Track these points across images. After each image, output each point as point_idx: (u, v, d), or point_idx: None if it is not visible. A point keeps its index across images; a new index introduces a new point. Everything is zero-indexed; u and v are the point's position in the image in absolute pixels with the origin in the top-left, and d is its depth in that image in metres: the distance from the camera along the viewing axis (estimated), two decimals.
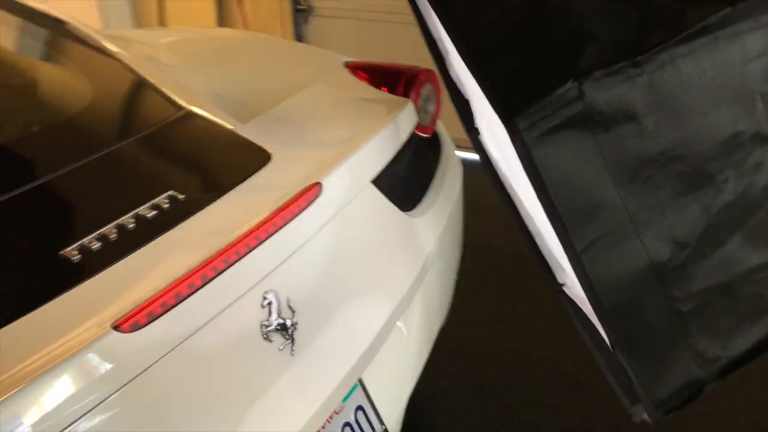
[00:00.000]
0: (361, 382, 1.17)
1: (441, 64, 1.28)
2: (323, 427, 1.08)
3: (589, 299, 0.79)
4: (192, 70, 1.61)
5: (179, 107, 1.31)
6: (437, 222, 1.44)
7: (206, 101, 1.34)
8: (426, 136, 1.65)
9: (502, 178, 1.35)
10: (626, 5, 0.71)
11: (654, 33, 0.65)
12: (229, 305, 0.90)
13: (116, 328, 0.76)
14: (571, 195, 0.72)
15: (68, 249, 0.88)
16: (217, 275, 0.88)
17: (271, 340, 0.96)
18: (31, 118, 1.31)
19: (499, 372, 2.14)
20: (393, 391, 1.27)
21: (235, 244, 0.91)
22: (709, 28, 0.66)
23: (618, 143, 0.69)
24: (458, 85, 1.29)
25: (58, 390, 0.70)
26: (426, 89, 1.60)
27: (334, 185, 1.11)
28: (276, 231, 0.97)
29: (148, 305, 0.79)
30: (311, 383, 1.01)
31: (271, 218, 0.97)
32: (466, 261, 1.71)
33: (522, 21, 0.79)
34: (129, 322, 0.77)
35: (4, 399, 0.66)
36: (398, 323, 1.27)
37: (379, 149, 1.27)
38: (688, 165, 0.70)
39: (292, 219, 1.00)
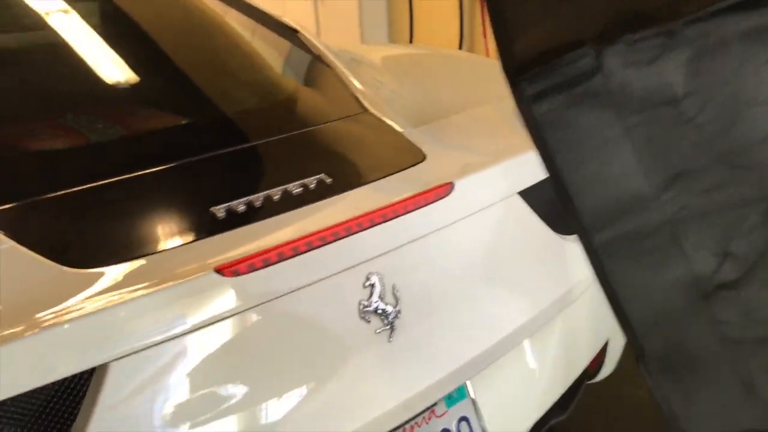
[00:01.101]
0: (468, 392, 1.14)
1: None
2: (418, 425, 1.08)
3: (609, 300, 0.68)
4: (396, 81, 1.72)
5: (363, 108, 1.42)
6: None
7: (387, 107, 1.43)
8: None
9: None
10: None
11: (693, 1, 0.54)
12: (330, 276, 0.95)
13: (217, 271, 0.86)
14: (591, 180, 0.63)
15: (217, 207, 1.01)
16: (322, 245, 0.94)
17: (368, 321, 0.99)
18: (245, 100, 1.51)
19: None
20: (508, 416, 1.21)
21: (346, 222, 0.97)
22: None
23: (652, 126, 0.59)
24: None
25: (156, 309, 0.82)
26: None
27: (469, 188, 1.11)
28: (393, 218, 1.01)
29: (251, 258, 0.88)
30: (404, 372, 1.02)
31: (392, 205, 1.01)
32: None
33: None
34: (230, 269, 0.87)
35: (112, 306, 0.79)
36: (525, 344, 1.21)
37: (532, 164, 1.23)
38: (747, 164, 0.57)
39: (412, 210, 1.03)
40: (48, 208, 0.97)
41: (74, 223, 0.96)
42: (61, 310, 0.76)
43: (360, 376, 0.98)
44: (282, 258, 0.90)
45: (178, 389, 0.83)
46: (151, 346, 0.81)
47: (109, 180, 1.03)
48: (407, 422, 1.07)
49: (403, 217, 1.02)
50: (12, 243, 0.86)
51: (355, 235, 0.97)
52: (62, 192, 0.99)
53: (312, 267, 0.93)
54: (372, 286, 0.99)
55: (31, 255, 0.84)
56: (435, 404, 1.11)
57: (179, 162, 1.11)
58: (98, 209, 0.99)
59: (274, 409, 0.89)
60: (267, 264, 0.89)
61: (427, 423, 1.10)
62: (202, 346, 0.85)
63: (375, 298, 0.99)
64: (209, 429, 0.84)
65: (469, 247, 1.13)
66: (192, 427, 0.84)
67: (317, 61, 1.65)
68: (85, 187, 1.00)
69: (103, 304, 0.80)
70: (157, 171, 1.08)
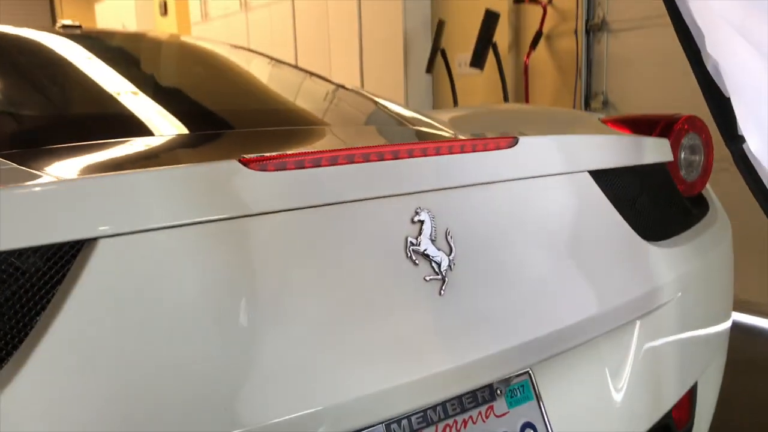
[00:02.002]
0: (535, 391, 0.92)
1: (695, 56, 1.10)
2: (473, 420, 0.86)
3: None
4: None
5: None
6: (685, 261, 1.15)
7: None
8: (691, 195, 1.39)
9: None
10: None
11: None
12: (371, 198, 0.80)
13: (243, 162, 0.73)
14: None
15: None
16: (364, 162, 0.80)
17: (416, 264, 0.82)
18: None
19: None
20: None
21: (394, 146, 0.84)
22: None
23: None
24: (716, 79, 1.08)
25: (163, 191, 0.68)
26: (689, 138, 1.38)
27: (533, 146, 0.98)
28: (447, 154, 0.87)
29: (282, 156, 0.75)
30: (456, 334, 0.82)
31: (446, 141, 0.88)
32: None
33: None
34: (257, 162, 0.74)
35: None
36: (600, 352, 1.00)
37: (601, 147, 1.11)
38: None
39: (470, 152, 0.90)
40: None
41: None
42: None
43: (402, 323, 0.79)
44: (316, 164, 0.77)
45: (171, 287, 0.67)
46: (150, 231, 0.67)
47: None
48: (461, 409, 0.85)
49: (459, 155, 0.89)
50: None
51: (402, 160, 0.84)
52: None
53: (350, 183, 0.79)
54: (421, 223, 0.83)
55: None
56: (494, 398, 0.89)
57: None
58: None
59: (281, 339, 0.71)
60: (299, 167, 0.76)
61: (484, 421, 0.87)
62: (211, 243, 0.70)
63: (425, 239, 0.83)
64: (197, 340, 0.67)
65: (535, 213, 0.97)
66: (181, 331, 0.66)
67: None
68: None
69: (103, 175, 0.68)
70: None
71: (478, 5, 3.74)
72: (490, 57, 3.68)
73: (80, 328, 0.62)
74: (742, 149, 1.08)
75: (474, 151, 0.90)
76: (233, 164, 0.73)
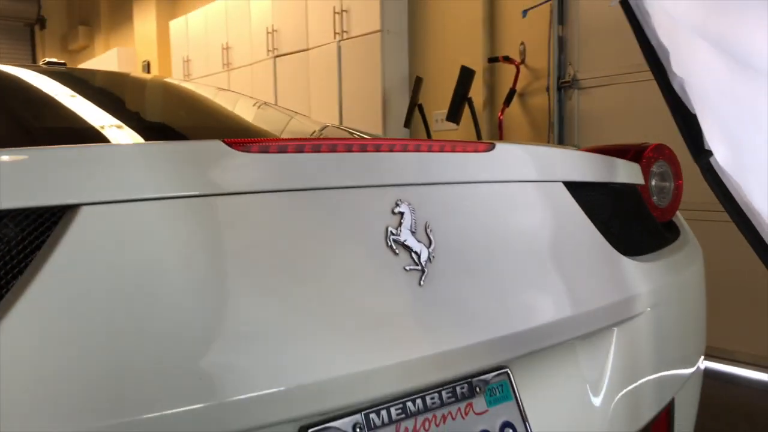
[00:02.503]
0: (513, 391, 0.92)
1: (661, 75, 1.16)
2: (452, 416, 0.85)
3: None
4: None
5: None
6: (659, 275, 1.17)
7: None
8: (663, 221, 1.43)
9: (742, 204, 1.08)
10: None
11: None
12: (351, 187, 0.82)
13: (227, 143, 0.74)
14: None
15: None
16: (346, 152, 0.82)
17: (396, 253, 0.82)
18: None
19: None
20: None
21: (376, 140, 0.86)
22: None
23: None
24: (682, 96, 1.13)
25: (147, 164, 0.69)
26: (658, 165, 1.43)
27: (509, 153, 1.01)
28: (426, 151, 0.90)
29: (265, 140, 0.77)
30: (435, 323, 0.82)
31: (426, 141, 0.91)
32: None
33: None
34: (241, 144, 0.75)
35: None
36: (578, 357, 1.00)
37: (575, 160, 1.14)
38: None
39: (449, 151, 0.92)
40: None
41: None
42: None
43: (381, 308, 0.79)
44: (299, 150, 0.79)
45: (150, 261, 0.67)
46: (129, 201, 0.67)
47: None
48: (441, 403, 0.84)
49: (438, 154, 0.91)
50: None
51: (384, 153, 0.86)
52: None
53: (331, 170, 0.81)
54: (401, 215, 0.85)
55: None
56: (474, 395, 0.88)
57: None
58: None
59: (256, 314, 0.70)
60: (281, 151, 0.77)
61: (463, 417, 0.86)
62: (192, 218, 0.70)
63: (405, 230, 0.84)
64: (174, 312, 0.66)
65: (511, 216, 0.99)
66: (158, 302, 0.66)
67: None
68: None
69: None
70: None
71: (454, 63, 3.87)
72: (466, 112, 3.79)
73: (57, 293, 0.62)
74: (710, 163, 1.12)
75: (453, 151, 0.93)
76: (218, 144, 0.74)
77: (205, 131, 1.46)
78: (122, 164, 0.68)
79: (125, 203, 0.67)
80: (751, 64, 1.02)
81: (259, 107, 2.02)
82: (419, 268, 0.84)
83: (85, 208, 0.65)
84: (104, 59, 8.62)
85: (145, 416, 0.61)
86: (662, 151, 1.44)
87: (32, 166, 0.63)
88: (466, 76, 3.68)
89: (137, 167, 0.69)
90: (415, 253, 0.84)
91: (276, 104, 5.30)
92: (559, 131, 3.67)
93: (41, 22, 10.41)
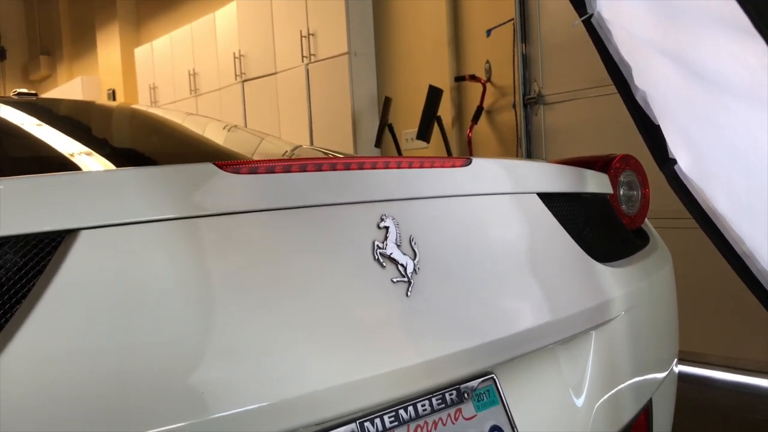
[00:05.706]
0: (500, 396, 0.95)
1: (624, 90, 1.22)
2: (443, 422, 0.88)
3: None
4: None
5: None
6: (632, 280, 1.22)
7: None
8: (632, 228, 1.49)
9: (707, 209, 1.14)
10: None
11: None
12: (338, 204, 0.85)
13: (218, 165, 0.77)
14: None
15: None
16: (331, 170, 0.85)
17: (383, 266, 0.86)
18: None
19: None
20: None
21: (359, 158, 0.90)
22: None
23: None
24: (645, 108, 1.19)
25: (141, 188, 0.72)
26: (625, 175, 1.49)
27: (485, 167, 1.05)
28: (408, 168, 0.93)
29: (254, 162, 0.80)
30: (423, 332, 0.85)
31: (406, 158, 0.94)
32: None
33: None
34: (231, 166, 0.78)
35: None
36: (560, 361, 1.04)
37: (547, 173, 1.19)
38: None
39: (429, 167, 0.96)
40: None
41: None
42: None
43: (370, 320, 0.81)
44: (287, 170, 0.82)
45: (148, 281, 0.69)
46: (126, 225, 0.69)
47: None
48: (431, 409, 0.87)
49: (418, 170, 0.95)
50: None
51: (367, 171, 0.89)
52: None
53: (318, 188, 0.84)
54: (386, 229, 0.88)
55: None
56: (462, 401, 0.91)
57: None
58: None
59: (250, 331, 0.73)
60: (269, 171, 0.80)
61: (453, 423, 0.89)
62: (186, 238, 0.73)
63: (391, 243, 0.88)
64: (171, 331, 0.68)
65: (490, 227, 1.03)
66: (156, 322, 0.68)
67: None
68: None
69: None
70: None
71: (422, 83, 3.94)
72: (436, 130, 3.85)
73: (59, 316, 0.63)
74: (674, 170, 1.18)
75: (432, 167, 0.97)
76: (209, 167, 0.77)
77: (192, 157, 1.48)
78: (119, 188, 0.71)
79: (123, 226, 0.69)
80: (706, 77, 1.09)
81: (229, 130, 2.04)
82: (406, 279, 0.87)
83: (84, 232, 0.66)
84: (68, 88, 8.55)
85: None
86: (628, 161, 1.51)
87: (31, 193, 0.65)
88: (434, 95, 3.75)
89: (134, 191, 0.71)
90: (402, 265, 0.88)
91: (246, 126, 5.32)
92: (526, 146, 3.75)
93: (1, 53, 10.30)
